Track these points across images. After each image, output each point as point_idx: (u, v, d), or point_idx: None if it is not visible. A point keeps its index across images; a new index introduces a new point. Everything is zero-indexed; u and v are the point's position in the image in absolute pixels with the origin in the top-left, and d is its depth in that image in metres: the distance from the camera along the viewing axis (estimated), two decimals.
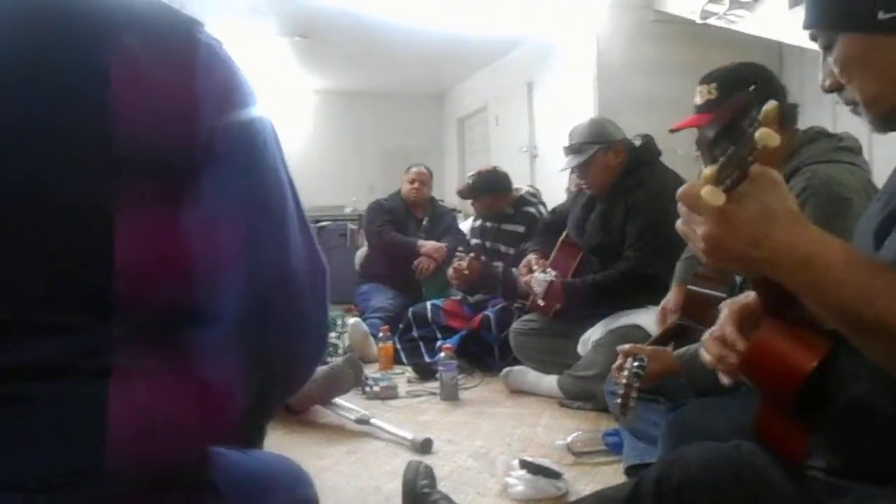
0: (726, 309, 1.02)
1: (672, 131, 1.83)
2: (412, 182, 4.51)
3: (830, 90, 0.96)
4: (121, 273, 0.62)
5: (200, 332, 0.66)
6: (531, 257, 3.04)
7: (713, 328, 1.07)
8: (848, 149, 1.59)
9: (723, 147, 0.63)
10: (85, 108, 0.62)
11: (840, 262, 0.68)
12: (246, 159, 0.69)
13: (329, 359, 3.49)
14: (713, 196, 0.63)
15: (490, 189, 3.73)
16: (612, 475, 1.98)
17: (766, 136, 0.63)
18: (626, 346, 1.69)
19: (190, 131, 0.65)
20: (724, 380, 1.11)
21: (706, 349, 1.08)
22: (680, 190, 0.69)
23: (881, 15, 0.82)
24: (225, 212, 0.66)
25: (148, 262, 0.63)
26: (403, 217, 4.48)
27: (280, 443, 2.38)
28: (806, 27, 0.95)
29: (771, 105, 0.64)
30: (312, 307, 0.74)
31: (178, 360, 0.65)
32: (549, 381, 2.86)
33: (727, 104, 0.64)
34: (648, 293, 2.48)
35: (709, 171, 0.64)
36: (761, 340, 0.91)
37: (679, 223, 0.72)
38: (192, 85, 0.66)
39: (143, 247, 0.63)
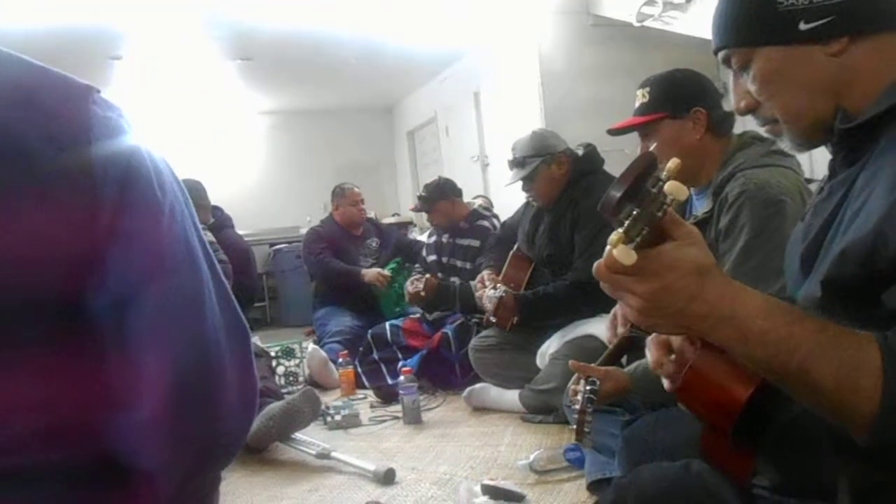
0: None
1: (609, 132, 1.85)
2: (355, 204, 4.44)
3: (747, 111, 0.96)
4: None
5: (117, 419, 0.62)
6: (484, 274, 3.03)
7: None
8: (780, 152, 1.61)
9: (628, 209, 0.62)
10: None
11: (761, 311, 0.67)
12: (151, 236, 0.64)
13: (289, 388, 3.44)
14: (624, 255, 0.62)
15: (442, 195, 3.74)
16: (574, 492, 1.97)
17: (675, 189, 0.62)
18: (580, 363, 1.68)
19: (88, 216, 0.60)
20: (666, 384, 1.12)
21: (648, 351, 1.08)
22: (595, 266, 0.67)
23: (802, 26, 0.82)
24: (131, 291, 0.62)
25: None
26: (343, 240, 4.40)
27: (239, 484, 2.32)
28: (719, 48, 0.94)
29: (674, 162, 0.63)
30: (234, 374, 0.71)
31: (93, 448, 0.62)
32: (511, 397, 2.85)
33: (629, 166, 0.63)
34: (600, 301, 2.48)
35: (615, 234, 0.63)
36: (696, 371, 0.90)
37: (606, 290, 0.70)
38: (87, 166, 0.61)
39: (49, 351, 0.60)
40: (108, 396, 0.62)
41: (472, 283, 3.29)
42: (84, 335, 0.61)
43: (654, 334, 1.07)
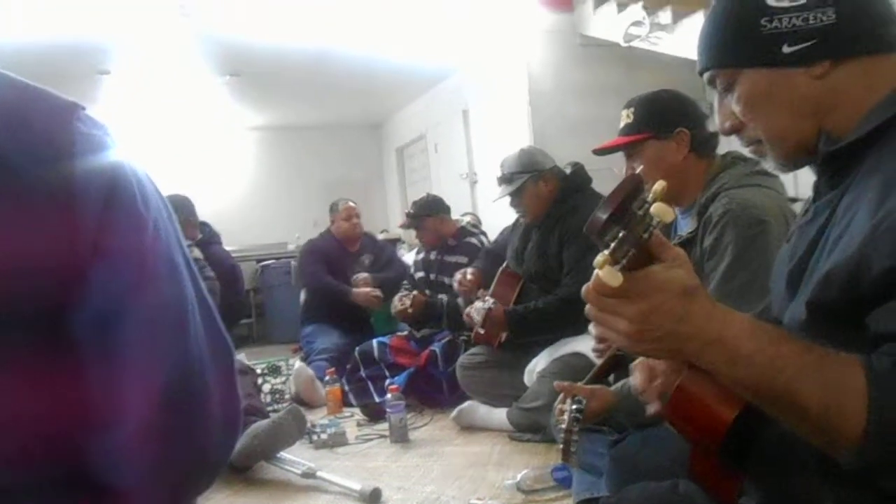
0: None
1: (595, 152, 1.87)
2: (348, 219, 4.44)
3: (731, 131, 0.96)
4: None
5: (98, 437, 0.61)
6: (467, 270, 3.03)
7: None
8: (764, 172, 1.63)
9: (614, 232, 0.62)
10: None
11: (748, 333, 0.68)
12: (135, 254, 0.64)
13: (275, 405, 3.41)
14: (610, 277, 0.62)
15: (430, 211, 3.74)
16: None
17: (662, 211, 0.63)
18: (565, 384, 1.68)
19: (71, 234, 0.59)
20: (650, 409, 1.12)
21: (635, 374, 1.08)
22: (584, 289, 0.67)
23: (786, 49, 0.83)
24: (114, 312, 0.62)
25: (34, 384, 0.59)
26: (339, 255, 4.39)
27: None
28: (705, 69, 0.95)
29: (660, 184, 0.64)
30: (218, 392, 0.70)
31: (74, 471, 0.61)
32: (499, 415, 2.83)
33: (615, 189, 0.63)
34: (588, 318, 2.48)
35: (601, 256, 0.63)
36: (683, 391, 0.90)
37: (592, 315, 0.70)
38: (70, 184, 0.60)
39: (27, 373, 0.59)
40: (89, 413, 0.61)
41: (458, 300, 3.30)
42: (66, 351, 0.60)
43: (639, 359, 1.08)
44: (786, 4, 0.82)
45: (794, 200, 1.67)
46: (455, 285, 3.17)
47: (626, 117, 1.75)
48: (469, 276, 3.16)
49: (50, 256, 0.59)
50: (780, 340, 0.67)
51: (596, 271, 0.64)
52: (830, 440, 0.67)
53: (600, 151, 1.83)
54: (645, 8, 4.19)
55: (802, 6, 0.81)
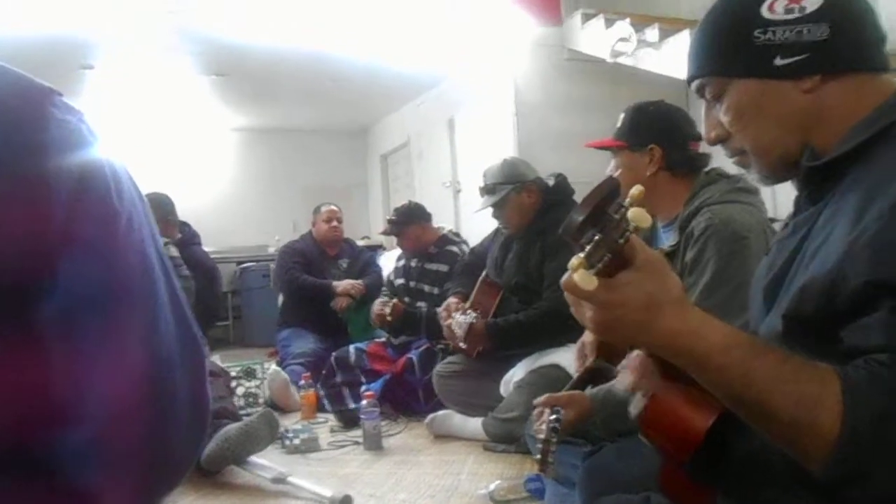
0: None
1: (587, 146, 1.89)
2: (328, 221, 4.43)
3: (717, 141, 0.97)
4: None
5: (60, 432, 0.60)
6: (451, 301, 3.01)
7: (632, 355, 1.06)
8: (745, 189, 1.65)
9: (589, 234, 0.62)
10: None
11: (720, 347, 0.68)
12: (106, 245, 0.62)
13: (248, 409, 3.36)
14: (585, 280, 0.62)
15: (412, 219, 3.73)
16: None
17: (638, 216, 0.62)
18: (542, 398, 1.67)
19: (40, 220, 0.58)
20: (634, 408, 1.10)
21: (623, 375, 1.07)
22: (562, 280, 0.67)
23: (778, 61, 0.83)
24: (83, 304, 0.60)
25: None
26: (317, 258, 4.39)
27: None
28: (695, 76, 0.95)
29: (637, 189, 0.63)
30: (186, 390, 0.68)
31: (33, 475, 0.59)
32: (474, 425, 2.82)
33: (592, 191, 0.63)
34: (568, 331, 2.49)
35: (576, 259, 0.62)
36: (657, 401, 0.90)
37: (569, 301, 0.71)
38: (42, 169, 0.59)
39: None
40: (51, 404, 0.59)
41: (438, 309, 3.28)
42: (32, 340, 0.58)
43: (625, 361, 1.07)
44: (780, 17, 0.82)
45: (773, 220, 1.68)
46: (442, 320, 3.02)
47: (619, 121, 1.78)
48: (455, 312, 2.94)
49: (18, 243, 0.57)
50: (756, 354, 0.67)
51: (569, 272, 0.63)
52: (802, 449, 0.67)
53: (591, 146, 1.87)
54: (632, 24, 4.23)
55: (797, 20, 0.82)
